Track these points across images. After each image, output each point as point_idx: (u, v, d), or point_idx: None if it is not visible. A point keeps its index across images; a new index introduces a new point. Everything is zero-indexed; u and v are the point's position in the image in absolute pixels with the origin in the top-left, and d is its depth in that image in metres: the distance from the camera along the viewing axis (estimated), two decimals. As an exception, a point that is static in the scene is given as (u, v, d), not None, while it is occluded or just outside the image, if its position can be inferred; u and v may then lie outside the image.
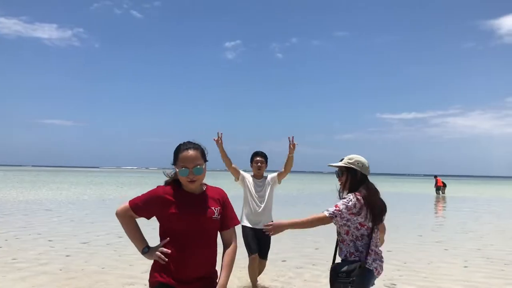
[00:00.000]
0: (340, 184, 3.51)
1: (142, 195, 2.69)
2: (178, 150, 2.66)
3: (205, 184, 2.77)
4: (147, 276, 2.71)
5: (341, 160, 3.50)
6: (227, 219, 2.75)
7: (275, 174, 5.76)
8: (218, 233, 2.74)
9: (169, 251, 2.56)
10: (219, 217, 2.68)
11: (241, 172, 5.66)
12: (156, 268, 2.64)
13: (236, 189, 5.73)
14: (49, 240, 9.45)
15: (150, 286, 2.68)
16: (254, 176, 5.67)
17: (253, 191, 5.54)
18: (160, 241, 2.65)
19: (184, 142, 2.70)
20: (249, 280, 5.77)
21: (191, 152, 2.61)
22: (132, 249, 5.49)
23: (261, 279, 6.06)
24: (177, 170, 2.63)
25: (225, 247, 2.73)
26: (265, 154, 5.73)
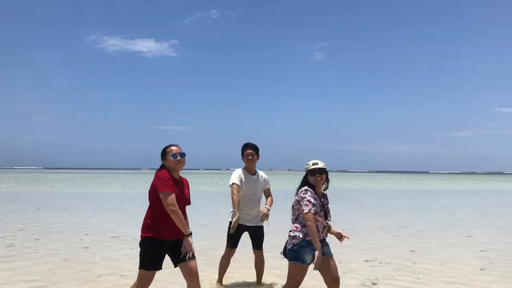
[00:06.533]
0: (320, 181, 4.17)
1: (165, 180, 3.88)
2: (166, 147, 4.13)
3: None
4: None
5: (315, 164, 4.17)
6: (189, 198, 4.24)
7: (267, 179, 5.61)
8: None
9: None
10: (188, 197, 4.19)
11: (238, 180, 5.34)
12: (145, 228, 3.95)
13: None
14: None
15: (140, 239, 3.97)
16: (246, 170, 5.46)
17: (248, 187, 5.38)
18: (150, 205, 3.97)
19: (168, 144, 4.16)
20: (250, 280, 5.78)
21: (177, 146, 4.14)
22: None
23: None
24: (169, 156, 4.04)
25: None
26: (256, 146, 5.48)
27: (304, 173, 4.21)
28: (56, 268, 6.61)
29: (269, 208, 5.42)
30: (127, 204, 19.26)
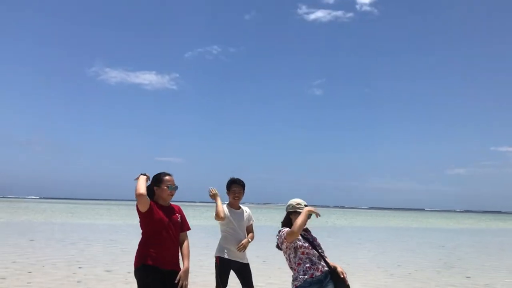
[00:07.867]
0: None
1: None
2: (162, 175, 4.12)
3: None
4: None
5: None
6: (184, 224, 4.23)
7: (251, 214, 5.52)
8: None
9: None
10: (180, 221, 4.15)
11: (225, 210, 5.32)
12: (138, 256, 3.93)
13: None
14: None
15: (134, 267, 3.93)
16: (230, 206, 5.35)
17: (234, 222, 5.28)
18: (142, 233, 4.01)
19: (164, 172, 4.18)
20: None
21: (171, 176, 4.16)
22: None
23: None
24: (165, 186, 4.05)
25: (182, 243, 4.15)
26: (242, 182, 5.35)
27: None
28: (48, 302, 6.50)
29: (249, 240, 5.30)
30: (122, 236, 19.08)
